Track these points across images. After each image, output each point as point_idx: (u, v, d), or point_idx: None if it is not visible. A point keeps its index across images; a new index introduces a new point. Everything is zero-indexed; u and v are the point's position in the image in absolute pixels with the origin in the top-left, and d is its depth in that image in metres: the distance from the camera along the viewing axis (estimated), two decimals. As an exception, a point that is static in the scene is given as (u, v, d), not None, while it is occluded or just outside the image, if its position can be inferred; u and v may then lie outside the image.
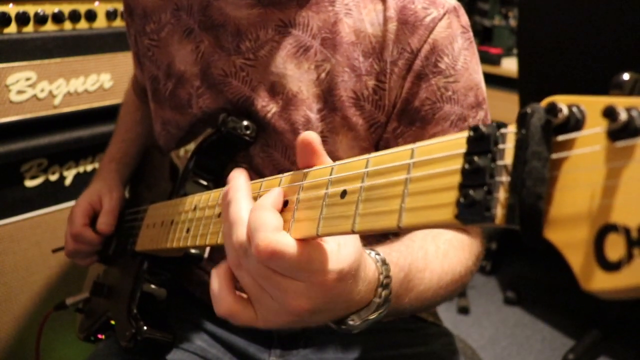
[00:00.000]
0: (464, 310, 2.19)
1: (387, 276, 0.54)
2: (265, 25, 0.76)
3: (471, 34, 0.75)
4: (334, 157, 0.76)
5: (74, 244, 0.96)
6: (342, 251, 0.46)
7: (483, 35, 2.46)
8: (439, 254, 0.68)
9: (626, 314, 2.07)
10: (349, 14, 0.74)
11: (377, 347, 0.84)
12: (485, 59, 2.18)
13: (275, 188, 0.50)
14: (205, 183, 0.84)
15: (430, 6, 0.71)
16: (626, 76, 0.31)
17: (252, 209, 0.47)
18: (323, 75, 0.74)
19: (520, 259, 2.53)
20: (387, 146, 0.77)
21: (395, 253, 0.60)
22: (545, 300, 2.22)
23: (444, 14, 0.71)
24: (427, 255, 0.66)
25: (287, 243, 0.43)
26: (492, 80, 2.05)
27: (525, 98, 1.83)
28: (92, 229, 0.95)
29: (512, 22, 2.44)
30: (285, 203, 0.49)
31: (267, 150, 0.78)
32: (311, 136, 0.49)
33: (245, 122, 0.76)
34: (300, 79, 0.75)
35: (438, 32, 0.71)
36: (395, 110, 0.74)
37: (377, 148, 0.78)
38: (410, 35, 0.71)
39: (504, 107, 2.01)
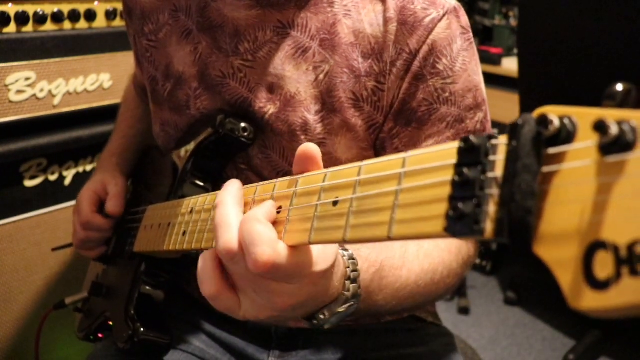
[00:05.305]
0: (464, 311, 2.19)
1: (354, 270, 0.56)
2: (264, 26, 0.76)
3: (471, 34, 0.74)
4: (333, 158, 0.77)
5: (83, 232, 0.95)
6: (327, 251, 0.48)
7: (483, 35, 2.46)
8: (420, 253, 0.68)
9: (626, 315, 2.07)
10: (348, 15, 0.74)
11: (376, 348, 0.84)
12: (486, 58, 2.18)
13: (268, 201, 0.49)
14: (203, 185, 0.84)
15: (430, 7, 0.71)
16: (619, 87, 0.31)
17: (244, 220, 0.46)
18: (322, 76, 0.74)
19: (520, 259, 2.52)
20: (382, 146, 0.77)
21: (366, 249, 0.62)
22: (546, 301, 2.22)
23: (444, 15, 0.71)
24: (407, 254, 0.67)
25: (283, 255, 0.45)
26: (493, 80, 2.05)
27: (525, 98, 1.83)
28: (100, 215, 0.94)
29: (513, 22, 2.44)
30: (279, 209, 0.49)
31: (265, 151, 0.78)
32: (313, 149, 0.49)
33: (243, 124, 0.76)
34: (298, 80, 0.74)
35: (437, 33, 0.70)
36: (392, 110, 0.74)
37: (374, 148, 0.78)
38: (409, 36, 0.71)
39: (504, 107, 2.01)
